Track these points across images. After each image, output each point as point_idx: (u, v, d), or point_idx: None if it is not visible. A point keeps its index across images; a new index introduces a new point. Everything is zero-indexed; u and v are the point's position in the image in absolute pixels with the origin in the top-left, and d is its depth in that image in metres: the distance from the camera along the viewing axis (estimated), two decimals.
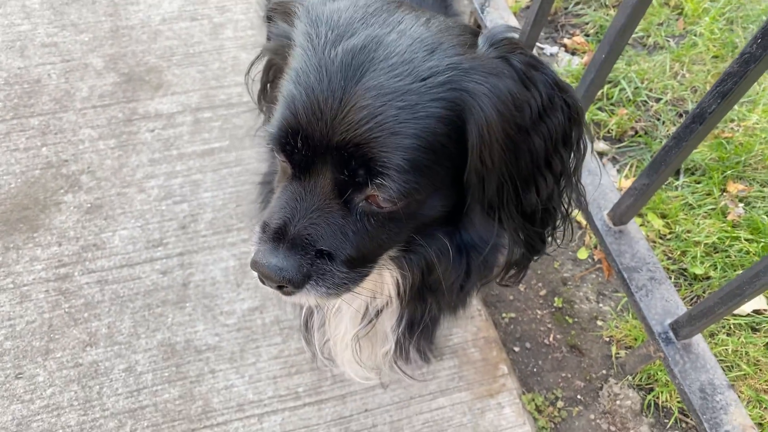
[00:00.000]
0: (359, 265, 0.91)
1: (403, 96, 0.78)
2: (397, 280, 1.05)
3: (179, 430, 1.57)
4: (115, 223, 1.90)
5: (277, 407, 1.62)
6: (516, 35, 0.88)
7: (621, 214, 1.53)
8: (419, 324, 1.20)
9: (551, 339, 1.84)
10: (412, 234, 0.95)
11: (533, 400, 1.70)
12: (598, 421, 1.70)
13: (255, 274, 0.87)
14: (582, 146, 0.96)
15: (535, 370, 1.78)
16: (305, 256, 0.84)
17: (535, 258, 1.09)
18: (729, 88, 1.12)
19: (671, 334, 1.41)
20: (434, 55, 0.80)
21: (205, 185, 2.01)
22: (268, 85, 1.07)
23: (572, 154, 0.95)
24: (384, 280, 1.07)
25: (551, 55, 2.54)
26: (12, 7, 2.43)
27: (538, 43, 2.56)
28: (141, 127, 2.13)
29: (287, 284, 0.84)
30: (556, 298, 1.90)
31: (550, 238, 1.07)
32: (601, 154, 2.23)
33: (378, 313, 1.15)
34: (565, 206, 1.03)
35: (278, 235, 0.84)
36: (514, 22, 2.01)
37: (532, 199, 0.94)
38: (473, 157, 0.85)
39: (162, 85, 2.25)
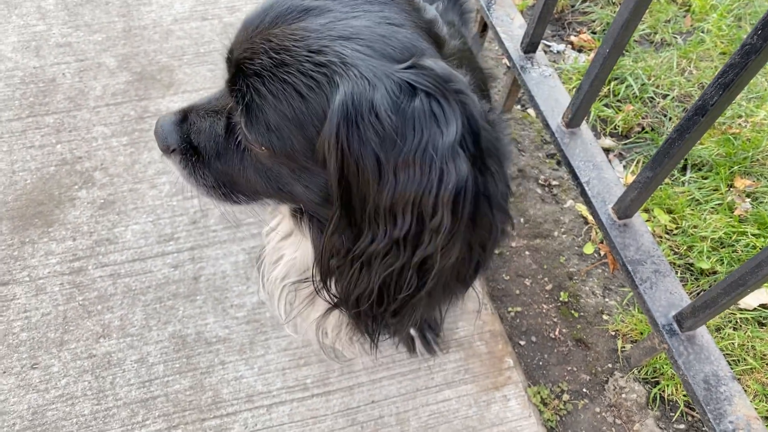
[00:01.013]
0: (228, 187, 1.01)
1: (280, 51, 0.82)
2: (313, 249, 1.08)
3: (189, 419, 1.60)
4: (127, 218, 1.94)
5: (285, 398, 1.64)
6: (458, 86, 0.80)
7: (626, 208, 1.54)
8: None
9: (557, 333, 1.85)
10: (302, 208, 1.00)
11: (539, 392, 1.71)
12: (603, 414, 1.71)
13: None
14: (438, 246, 0.82)
15: (540, 363, 1.79)
16: (180, 137, 1.00)
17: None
18: (730, 79, 1.13)
19: (675, 326, 1.42)
20: (339, 41, 0.80)
21: None
22: None
23: (423, 240, 0.83)
24: (306, 246, 1.12)
25: (558, 52, 2.56)
26: (28, 8, 2.49)
27: (544, 41, 2.57)
28: (153, 125, 2.17)
29: (157, 141, 1.02)
30: (562, 293, 1.92)
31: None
32: (607, 150, 2.24)
33: (309, 278, 1.17)
34: (382, 297, 0.92)
35: (183, 111, 1.01)
36: (520, 19, 2.03)
37: (365, 242, 0.85)
38: (318, 150, 0.83)
39: (173, 84, 2.29)
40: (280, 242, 1.31)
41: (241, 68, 0.85)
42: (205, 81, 2.31)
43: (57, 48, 2.37)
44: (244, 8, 2.56)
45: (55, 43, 2.38)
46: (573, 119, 1.70)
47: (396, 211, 0.80)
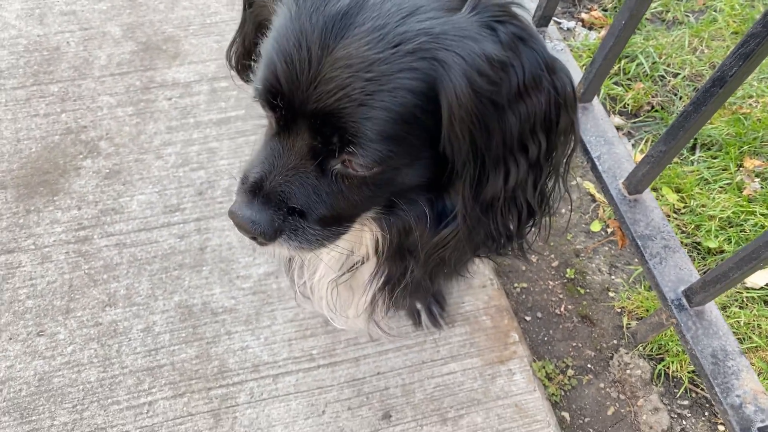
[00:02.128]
0: (334, 224, 0.93)
1: (371, 66, 0.76)
2: (377, 238, 1.06)
3: (196, 388, 1.61)
4: (133, 189, 1.93)
5: (291, 368, 1.65)
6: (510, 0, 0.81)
7: (636, 183, 1.53)
8: (399, 283, 1.20)
9: (563, 309, 1.85)
10: (392, 198, 0.95)
11: (544, 367, 1.72)
12: (608, 389, 1.72)
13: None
14: (570, 138, 0.90)
15: (546, 339, 1.80)
16: (278, 211, 0.87)
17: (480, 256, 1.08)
18: (751, 49, 1.11)
19: (684, 301, 1.42)
20: (408, 20, 0.77)
21: (222, 153, 2.03)
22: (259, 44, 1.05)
23: (556, 146, 0.89)
24: (363, 237, 1.09)
25: (568, 29, 2.52)
26: None
27: (554, 18, 2.54)
28: (158, 96, 2.15)
29: (259, 236, 0.88)
30: (568, 270, 1.91)
31: (506, 241, 1.01)
32: (616, 129, 2.22)
33: (354, 266, 1.16)
34: (538, 202, 0.96)
35: (254, 189, 0.87)
36: None
37: (498, 184, 0.88)
38: (445, 131, 0.82)
39: (179, 55, 2.27)
40: None
41: (335, 113, 0.78)
42: (211, 52, 2.28)
43: (61, 16, 2.33)
44: None
45: (59, 11, 2.35)
46: (585, 94, 1.69)
47: (525, 139, 0.84)
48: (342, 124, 0.78)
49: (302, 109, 0.80)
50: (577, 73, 1.79)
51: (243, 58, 1.18)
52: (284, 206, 0.87)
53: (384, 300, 1.26)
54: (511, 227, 0.97)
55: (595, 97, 1.72)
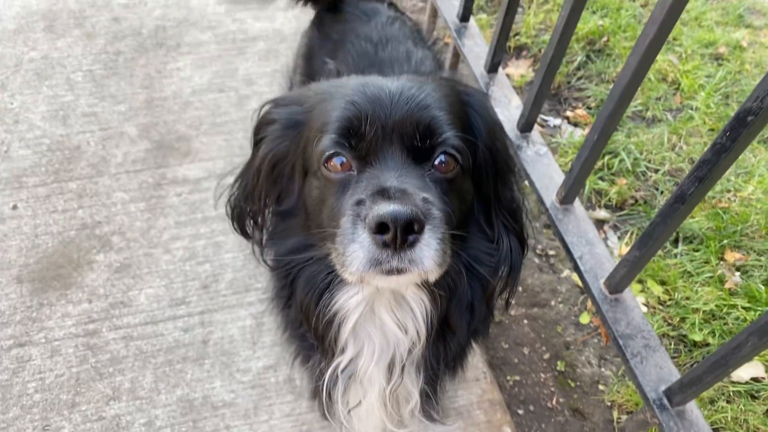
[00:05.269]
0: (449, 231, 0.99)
1: (434, 93, 1.04)
2: (426, 310, 1.12)
3: None
4: (141, 282, 2.03)
5: None
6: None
7: (616, 283, 1.62)
8: (442, 365, 1.26)
9: (554, 402, 1.89)
10: (458, 229, 1.06)
11: None
12: None
13: (356, 268, 0.90)
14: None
15: None
16: (415, 199, 0.91)
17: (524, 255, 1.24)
18: (705, 173, 1.23)
19: (665, 401, 1.47)
20: (426, 82, 1.09)
21: (227, 246, 2.14)
22: (279, 179, 1.19)
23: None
24: (415, 315, 1.13)
25: (554, 126, 2.69)
26: (57, 79, 2.66)
27: (542, 115, 2.71)
28: (169, 192, 2.29)
29: (416, 219, 0.86)
30: (558, 362, 1.97)
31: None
32: (602, 222, 2.34)
33: (403, 363, 1.20)
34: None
35: (383, 193, 0.91)
36: (517, 100, 2.17)
37: (511, 191, 1.17)
38: (483, 146, 1.09)
39: (190, 152, 2.43)
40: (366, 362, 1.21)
41: (426, 107, 1.01)
42: (219, 150, 2.45)
43: (83, 117, 2.52)
44: (260, 81, 2.73)
45: (81, 112, 2.54)
46: (566, 197, 1.81)
47: (506, 151, 1.17)
48: (432, 116, 1.00)
49: (393, 120, 0.98)
50: (559, 176, 1.92)
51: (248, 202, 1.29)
52: (417, 196, 0.92)
53: (430, 394, 1.32)
54: (524, 232, 1.22)
55: (577, 199, 1.84)
